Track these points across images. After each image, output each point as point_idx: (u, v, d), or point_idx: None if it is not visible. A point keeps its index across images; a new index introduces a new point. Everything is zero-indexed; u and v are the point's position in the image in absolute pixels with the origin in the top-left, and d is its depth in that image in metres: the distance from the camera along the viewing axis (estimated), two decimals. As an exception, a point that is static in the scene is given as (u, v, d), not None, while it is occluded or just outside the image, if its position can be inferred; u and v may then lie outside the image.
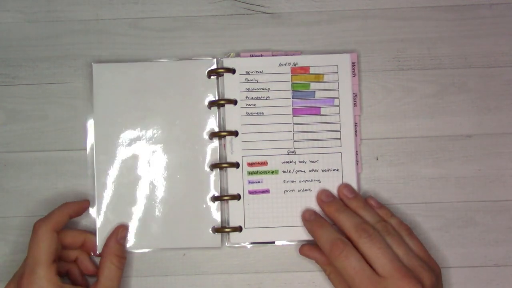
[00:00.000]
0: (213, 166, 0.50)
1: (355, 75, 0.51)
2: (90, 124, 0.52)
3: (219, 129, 0.51)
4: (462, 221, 0.51)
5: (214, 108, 0.51)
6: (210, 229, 0.50)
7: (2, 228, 0.52)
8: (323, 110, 0.50)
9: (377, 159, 0.52)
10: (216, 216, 0.50)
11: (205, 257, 0.51)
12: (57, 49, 0.53)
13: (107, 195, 0.50)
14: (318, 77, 0.51)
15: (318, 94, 0.51)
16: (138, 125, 0.51)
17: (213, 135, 0.50)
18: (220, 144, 0.51)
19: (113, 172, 0.51)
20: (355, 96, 0.51)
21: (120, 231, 0.49)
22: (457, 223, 0.51)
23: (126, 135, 0.51)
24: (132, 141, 0.51)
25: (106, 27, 0.53)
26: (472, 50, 0.52)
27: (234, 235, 0.50)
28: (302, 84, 0.51)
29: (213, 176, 0.50)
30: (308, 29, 0.53)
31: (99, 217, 0.50)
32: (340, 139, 0.50)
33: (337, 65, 0.51)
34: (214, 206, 0.50)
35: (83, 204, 0.50)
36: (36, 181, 0.52)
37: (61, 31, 0.53)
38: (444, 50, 0.52)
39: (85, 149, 0.52)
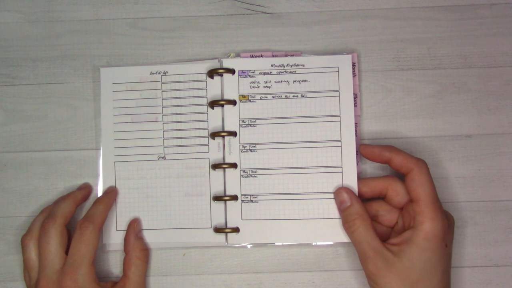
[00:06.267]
0: (214, 166, 0.50)
1: (355, 75, 0.51)
2: (94, 125, 0.52)
3: (216, 129, 0.51)
4: (462, 221, 0.51)
5: (217, 108, 0.51)
6: (213, 228, 0.50)
7: (2, 228, 0.52)
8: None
9: (377, 159, 0.52)
10: (218, 215, 0.50)
11: (205, 257, 0.51)
12: (57, 49, 0.53)
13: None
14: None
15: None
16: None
17: (213, 135, 0.51)
18: (221, 144, 0.51)
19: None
20: (355, 97, 0.51)
21: (136, 225, 0.50)
22: (457, 223, 0.51)
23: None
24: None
25: (106, 27, 0.53)
26: (472, 50, 0.52)
27: (232, 236, 0.50)
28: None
29: (215, 176, 0.51)
30: (308, 29, 0.53)
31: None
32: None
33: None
34: (216, 206, 0.50)
35: (87, 190, 0.51)
36: (36, 181, 0.52)
37: (61, 31, 0.53)
38: (444, 50, 0.52)
39: (85, 149, 0.52)
